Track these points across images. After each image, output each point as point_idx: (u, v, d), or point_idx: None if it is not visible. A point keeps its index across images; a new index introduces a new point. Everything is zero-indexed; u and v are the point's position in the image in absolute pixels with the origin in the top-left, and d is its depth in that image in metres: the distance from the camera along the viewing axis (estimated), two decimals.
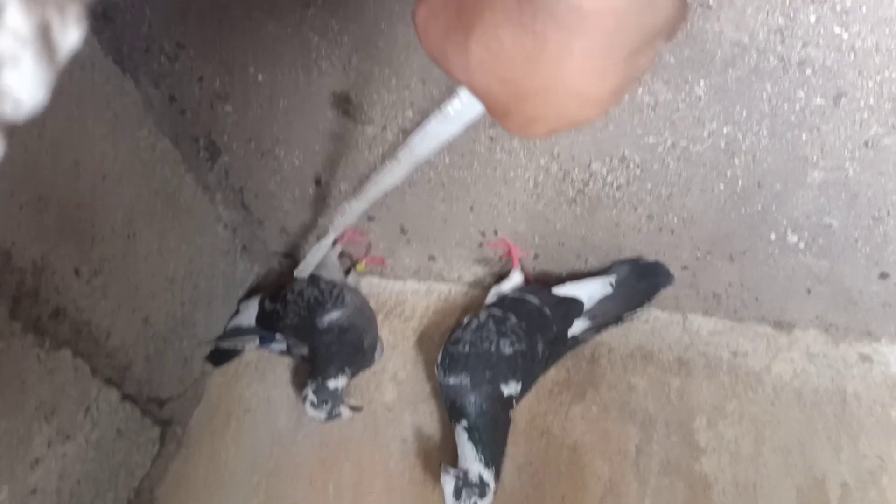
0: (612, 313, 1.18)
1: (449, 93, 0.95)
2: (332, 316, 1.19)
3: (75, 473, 1.09)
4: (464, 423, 1.07)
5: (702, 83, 0.85)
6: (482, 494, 1.02)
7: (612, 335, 1.25)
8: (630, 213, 1.08)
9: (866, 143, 0.87)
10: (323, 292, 1.21)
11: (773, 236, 1.04)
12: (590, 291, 1.16)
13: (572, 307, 1.15)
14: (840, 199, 0.96)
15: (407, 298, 1.37)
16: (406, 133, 1.04)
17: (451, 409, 1.10)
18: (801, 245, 1.04)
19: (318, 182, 1.19)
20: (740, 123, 0.89)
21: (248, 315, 1.31)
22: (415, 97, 0.98)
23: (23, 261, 0.96)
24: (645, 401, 1.19)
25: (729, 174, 0.96)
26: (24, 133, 0.91)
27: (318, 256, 1.17)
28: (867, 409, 1.13)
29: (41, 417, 1.03)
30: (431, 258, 1.31)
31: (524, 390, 1.12)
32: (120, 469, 1.18)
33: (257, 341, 1.30)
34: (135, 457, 1.21)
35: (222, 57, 1.00)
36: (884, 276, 1.06)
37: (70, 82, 0.96)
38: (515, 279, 1.21)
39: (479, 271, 1.31)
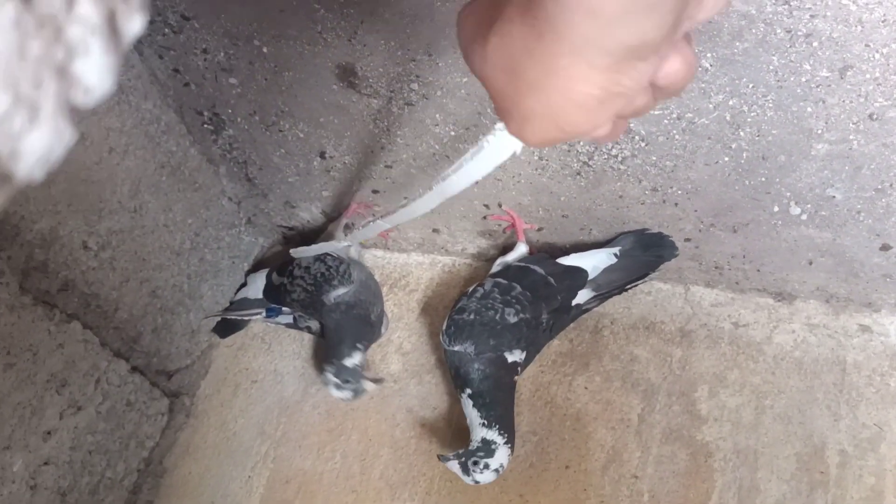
0: (616, 283, 1.19)
1: (456, 65, 0.95)
2: (339, 292, 1.20)
3: (87, 444, 1.11)
4: (468, 391, 1.09)
5: (709, 55, 0.86)
6: (490, 453, 1.05)
7: (614, 307, 1.27)
8: (634, 185, 1.08)
9: (871, 116, 0.88)
10: (330, 268, 1.22)
11: (776, 208, 1.05)
12: (594, 262, 1.18)
13: (577, 276, 1.16)
14: (844, 171, 0.96)
15: (411, 271, 1.38)
16: (411, 107, 1.04)
17: (456, 378, 1.12)
18: (804, 217, 1.05)
19: (322, 155, 1.19)
20: (746, 96, 0.89)
21: (256, 288, 1.32)
22: (421, 70, 0.98)
23: (31, 234, 0.97)
24: (647, 371, 1.21)
25: (734, 146, 0.97)
26: None
27: (322, 250, 1.18)
28: (867, 379, 1.15)
29: (53, 389, 1.04)
30: (435, 231, 1.32)
31: (529, 358, 1.14)
32: (130, 440, 1.20)
33: (264, 313, 1.31)
34: (144, 427, 1.22)
35: (227, 29, 1.00)
36: (885, 247, 1.07)
37: None
38: (521, 250, 1.22)
39: (482, 244, 1.32)
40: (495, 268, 1.22)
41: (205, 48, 1.04)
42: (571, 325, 1.23)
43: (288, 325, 1.31)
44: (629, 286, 1.22)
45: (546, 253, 1.25)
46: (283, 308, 1.28)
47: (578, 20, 0.32)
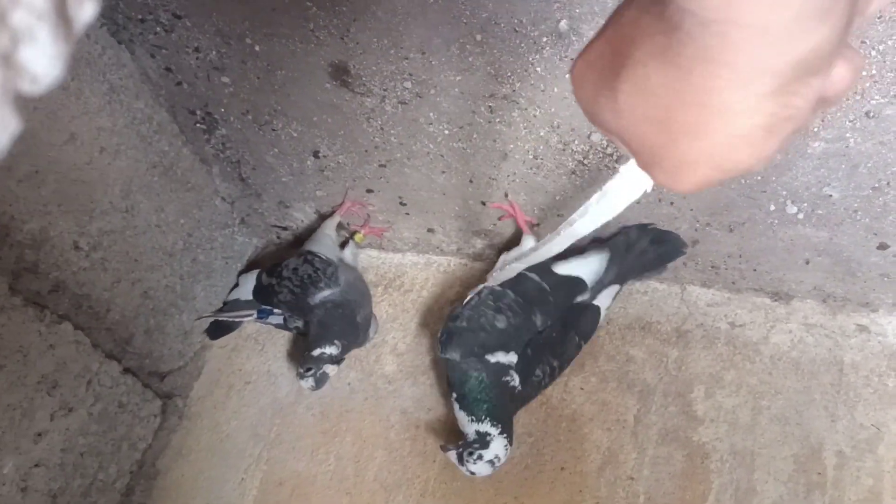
0: (614, 276, 1.18)
1: (449, 63, 0.94)
2: (325, 294, 1.20)
3: (78, 446, 1.10)
4: (453, 395, 1.11)
5: None
6: (484, 445, 1.06)
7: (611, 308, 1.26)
8: None
9: (868, 114, 0.87)
10: (317, 270, 1.22)
11: (772, 207, 1.04)
12: (592, 268, 1.16)
13: (575, 286, 1.15)
14: (840, 169, 0.96)
15: (406, 271, 1.37)
16: (405, 105, 1.03)
17: (448, 383, 1.14)
18: (801, 216, 1.05)
19: (316, 154, 1.18)
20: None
21: (247, 289, 1.31)
22: (414, 68, 0.97)
23: (22, 235, 0.96)
24: (643, 371, 1.20)
25: None
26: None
27: None
28: (864, 379, 1.14)
29: (43, 391, 1.03)
30: (430, 231, 1.31)
31: (529, 360, 1.12)
32: (122, 442, 1.19)
33: (255, 314, 1.30)
34: (137, 429, 1.21)
35: (219, 27, 0.99)
36: (882, 246, 1.06)
37: None
38: (528, 243, 1.21)
39: (478, 243, 1.31)
40: (499, 264, 1.21)
41: (197, 47, 1.03)
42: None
43: (278, 326, 1.30)
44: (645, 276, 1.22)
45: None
46: (275, 309, 1.27)
47: (741, 44, 0.28)
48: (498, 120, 1.02)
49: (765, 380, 1.16)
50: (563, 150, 1.04)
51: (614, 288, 1.18)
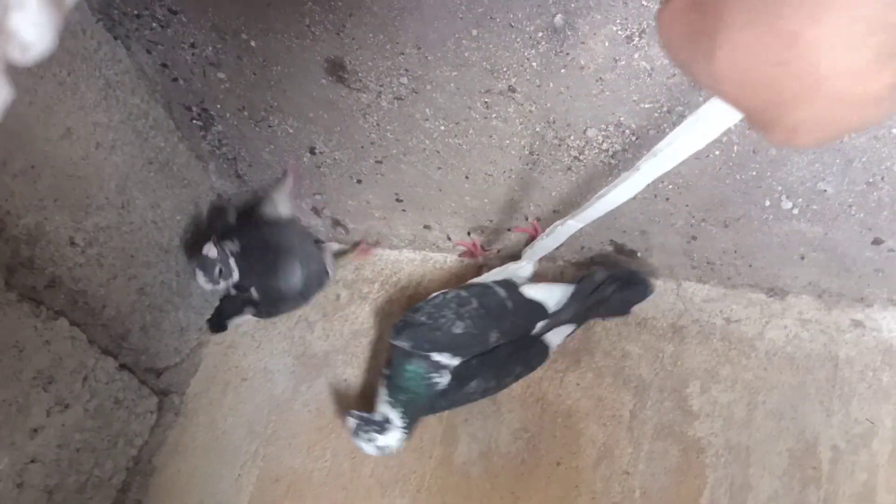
0: (581, 319, 1.19)
1: (445, 59, 0.94)
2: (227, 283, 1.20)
3: (74, 442, 1.10)
4: (386, 372, 1.14)
5: None
6: (382, 430, 1.10)
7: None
8: None
9: None
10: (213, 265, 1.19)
11: (767, 202, 1.05)
12: (558, 296, 1.17)
13: (536, 310, 1.16)
14: (835, 164, 0.96)
15: (402, 268, 1.37)
16: (401, 101, 1.03)
17: (386, 360, 1.16)
18: (796, 211, 1.05)
19: (312, 151, 1.18)
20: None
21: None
22: (410, 63, 0.97)
23: (17, 230, 0.96)
24: (639, 367, 1.20)
25: (724, 140, 0.96)
26: (14, 100, 0.90)
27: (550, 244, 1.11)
28: (859, 374, 1.15)
29: (39, 386, 1.03)
30: (427, 227, 1.31)
31: (470, 370, 1.13)
32: (118, 438, 1.19)
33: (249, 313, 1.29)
34: (133, 426, 1.21)
35: (214, 23, 0.99)
36: (877, 241, 1.06)
37: (60, 49, 0.95)
38: (525, 270, 1.20)
39: (474, 240, 1.31)
40: (494, 275, 1.21)
41: (192, 42, 1.04)
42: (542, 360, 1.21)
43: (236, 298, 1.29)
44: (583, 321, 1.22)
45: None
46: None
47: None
48: (494, 115, 1.02)
49: (760, 375, 1.17)
50: (559, 145, 1.05)
51: (569, 327, 1.19)
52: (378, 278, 1.36)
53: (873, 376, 1.14)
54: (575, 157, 1.06)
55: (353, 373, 1.28)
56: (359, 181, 1.23)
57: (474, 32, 0.90)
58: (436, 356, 1.11)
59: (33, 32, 0.16)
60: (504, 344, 1.15)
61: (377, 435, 1.10)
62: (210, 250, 1.13)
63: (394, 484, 1.18)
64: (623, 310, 1.23)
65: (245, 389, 1.30)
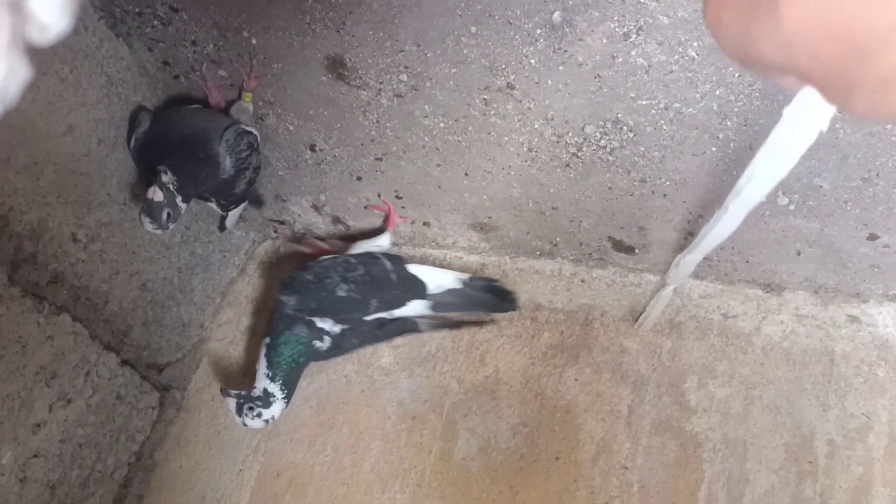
0: (453, 307, 1.25)
1: (444, 56, 0.95)
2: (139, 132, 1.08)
3: (76, 437, 1.11)
4: (267, 339, 1.16)
5: (695, 44, 0.86)
6: (266, 405, 1.13)
7: (604, 299, 1.27)
8: (623, 176, 1.08)
9: None
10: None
11: (763, 198, 1.05)
12: (439, 279, 1.23)
13: (417, 286, 1.21)
14: (830, 160, 0.97)
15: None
16: (400, 98, 1.04)
17: (269, 323, 1.19)
18: (792, 207, 1.06)
19: (312, 148, 1.19)
20: (733, 85, 0.90)
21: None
22: (409, 60, 0.98)
23: (20, 226, 0.97)
24: (637, 362, 1.21)
25: (721, 136, 0.97)
26: None
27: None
28: (855, 369, 1.15)
29: (42, 382, 1.04)
30: (426, 224, 1.32)
31: (346, 339, 1.19)
32: (120, 433, 1.19)
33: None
34: (135, 421, 1.22)
35: (216, 20, 1.00)
36: (872, 237, 1.07)
37: (63, 46, 0.96)
38: (383, 241, 1.27)
39: (473, 237, 1.32)
40: (353, 249, 1.27)
41: (194, 40, 1.04)
42: (445, 332, 1.29)
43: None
44: (465, 322, 1.28)
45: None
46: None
47: None
48: (493, 112, 1.03)
49: (757, 370, 1.18)
50: (558, 142, 1.06)
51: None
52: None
53: (869, 371, 1.15)
54: (573, 154, 1.07)
55: (353, 368, 1.28)
56: (359, 178, 1.24)
57: (473, 30, 0.91)
58: (319, 322, 1.15)
59: (52, 13, 0.17)
60: (379, 321, 1.20)
61: (263, 409, 1.12)
62: (155, 194, 0.99)
63: (394, 478, 1.19)
64: (487, 312, 1.29)
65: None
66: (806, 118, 0.31)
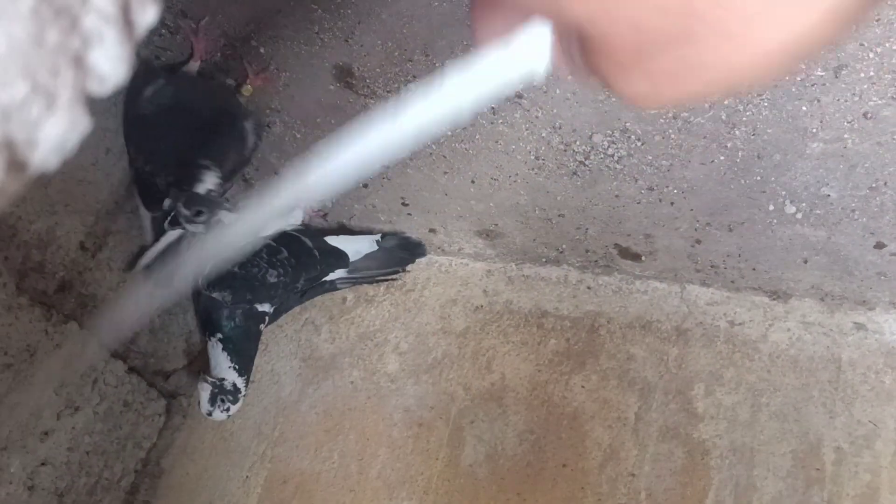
0: (371, 270, 1.31)
1: (460, 63, 0.95)
2: (149, 91, 1.00)
3: (84, 445, 1.11)
4: (218, 335, 1.16)
5: None
6: (235, 400, 1.15)
7: (610, 306, 1.27)
8: (630, 184, 1.09)
9: (865, 115, 0.88)
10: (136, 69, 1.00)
11: (771, 207, 1.06)
12: (357, 247, 1.28)
13: (339, 258, 1.26)
14: (838, 169, 0.97)
15: (408, 270, 1.38)
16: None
17: (207, 323, 1.19)
18: (799, 215, 1.06)
19: None
20: (741, 95, 0.90)
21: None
22: (418, 70, 0.98)
23: (28, 235, 0.97)
24: (644, 369, 1.21)
25: (729, 145, 0.97)
26: None
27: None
28: (861, 377, 1.16)
29: (50, 390, 1.04)
30: (432, 231, 1.32)
31: (277, 313, 1.24)
32: (127, 441, 1.20)
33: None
34: (142, 428, 1.22)
35: (224, 30, 1.00)
36: (879, 245, 1.07)
37: None
38: (296, 217, 1.27)
39: (479, 244, 1.32)
40: (265, 229, 1.24)
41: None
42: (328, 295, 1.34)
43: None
44: (380, 278, 1.33)
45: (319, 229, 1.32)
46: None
47: None
48: (500, 121, 1.03)
49: (764, 377, 1.18)
50: (565, 150, 1.06)
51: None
52: (383, 282, 1.37)
53: (876, 378, 1.15)
54: (580, 163, 1.07)
55: (359, 375, 1.29)
56: (364, 185, 1.24)
57: None
58: (259, 307, 1.17)
59: (111, 65, 0.17)
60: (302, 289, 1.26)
61: (231, 405, 1.14)
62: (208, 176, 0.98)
63: (401, 485, 1.19)
64: (402, 266, 1.34)
65: (252, 391, 1.30)
66: (532, 55, 0.25)
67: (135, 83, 1.01)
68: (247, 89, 1.09)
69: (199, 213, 0.98)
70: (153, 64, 1.05)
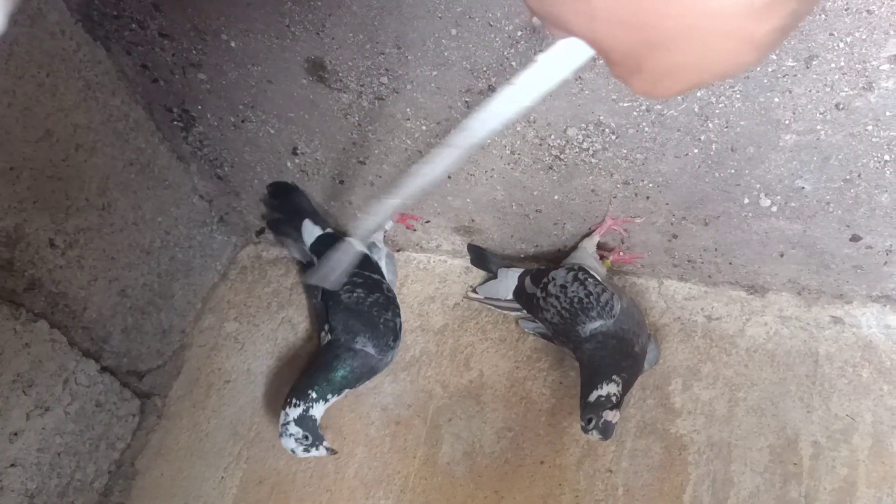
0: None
1: (425, 58, 0.95)
2: (597, 325, 1.07)
3: (55, 446, 1.09)
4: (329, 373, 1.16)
5: None
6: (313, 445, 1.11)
7: None
8: (606, 178, 1.08)
9: (837, 106, 0.88)
10: (590, 295, 1.09)
11: (746, 200, 1.06)
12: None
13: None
14: (812, 161, 0.97)
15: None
16: (381, 101, 1.03)
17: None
18: (774, 208, 1.06)
19: (294, 151, 1.18)
20: (713, 87, 0.90)
21: (506, 287, 1.23)
22: (390, 63, 0.97)
23: None
24: None
25: (703, 138, 0.97)
26: None
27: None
28: (839, 371, 1.16)
29: (19, 390, 1.03)
30: (410, 228, 1.31)
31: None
32: (100, 441, 1.18)
33: (523, 312, 1.24)
34: (115, 429, 1.20)
35: (194, 23, 0.99)
36: (855, 238, 1.07)
37: (39, 50, 0.94)
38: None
39: (457, 240, 1.32)
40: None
41: (172, 43, 1.03)
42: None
43: (543, 336, 1.23)
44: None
45: None
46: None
47: None
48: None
49: (741, 372, 1.17)
50: (540, 144, 1.05)
51: None
52: None
53: (853, 372, 1.15)
54: (556, 157, 1.06)
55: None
56: (341, 182, 1.23)
57: (454, 32, 0.90)
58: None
59: None
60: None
61: (313, 449, 1.10)
62: (615, 416, 1.01)
63: (377, 484, 1.18)
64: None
65: (228, 391, 1.29)
66: (557, 67, 0.36)
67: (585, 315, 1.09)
68: (607, 263, 1.22)
69: (589, 420, 1.01)
70: (610, 301, 1.10)
